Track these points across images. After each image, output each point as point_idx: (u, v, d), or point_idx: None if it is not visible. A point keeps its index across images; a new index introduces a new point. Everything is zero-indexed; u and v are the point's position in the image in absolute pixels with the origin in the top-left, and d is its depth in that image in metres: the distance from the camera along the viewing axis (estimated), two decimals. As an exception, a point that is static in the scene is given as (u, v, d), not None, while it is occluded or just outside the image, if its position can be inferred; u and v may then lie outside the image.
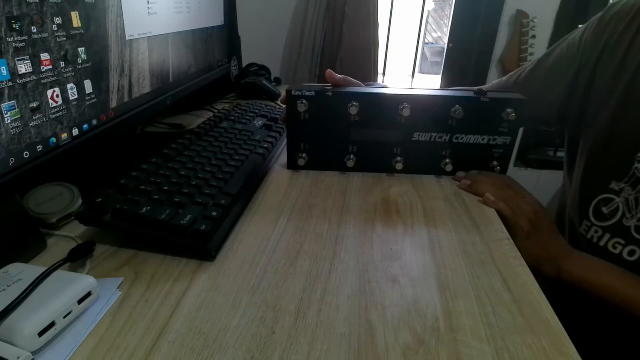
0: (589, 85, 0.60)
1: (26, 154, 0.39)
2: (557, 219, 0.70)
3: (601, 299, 0.49)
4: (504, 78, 0.74)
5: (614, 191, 0.55)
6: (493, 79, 1.42)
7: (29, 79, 0.38)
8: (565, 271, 0.51)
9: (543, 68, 0.67)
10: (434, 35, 4.89)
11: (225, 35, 0.92)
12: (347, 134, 0.60)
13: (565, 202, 0.67)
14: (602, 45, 0.58)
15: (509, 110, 0.57)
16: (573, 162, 0.65)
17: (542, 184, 1.53)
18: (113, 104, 0.51)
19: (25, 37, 0.37)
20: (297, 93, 0.57)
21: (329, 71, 0.58)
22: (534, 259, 0.49)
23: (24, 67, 0.37)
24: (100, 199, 0.43)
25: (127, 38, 0.53)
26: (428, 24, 4.64)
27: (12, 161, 0.37)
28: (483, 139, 0.59)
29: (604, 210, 0.56)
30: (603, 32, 0.59)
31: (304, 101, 0.57)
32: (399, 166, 0.60)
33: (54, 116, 0.42)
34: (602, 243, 0.56)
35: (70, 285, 0.34)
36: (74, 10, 0.43)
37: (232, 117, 0.74)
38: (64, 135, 0.44)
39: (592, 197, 0.58)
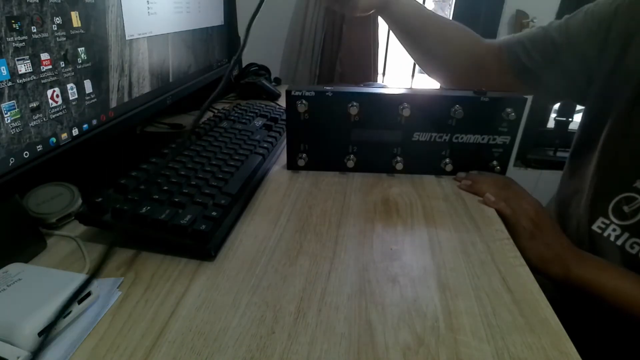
0: (618, 62, 0.56)
1: (26, 154, 0.39)
2: (557, 214, 0.68)
3: (610, 303, 0.48)
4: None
5: (638, 190, 0.53)
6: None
7: (29, 79, 0.38)
8: (574, 273, 0.50)
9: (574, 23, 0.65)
10: (434, 35, 4.88)
11: (225, 35, 0.92)
12: (347, 134, 0.60)
13: (566, 197, 0.65)
14: (637, 23, 0.54)
15: (508, 110, 0.57)
16: (583, 154, 0.62)
17: (542, 184, 1.52)
18: (113, 104, 0.51)
19: (25, 37, 0.37)
20: (297, 93, 0.57)
21: None
22: (540, 260, 0.49)
23: (24, 67, 0.37)
24: (100, 199, 0.43)
25: (127, 38, 0.53)
26: (428, 24, 4.62)
27: (12, 161, 0.37)
28: (483, 139, 0.59)
29: (626, 209, 0.54)
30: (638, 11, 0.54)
31: (303, 101, 0.57)
32: (399, 166, 0.60)
33: (54, 116, 0.42)
34: (619, 242, 0.54)
35: (71, 285, 0.34)
36: (74, 10, 0.43)
37: (232, 117, 0.74)
38: (64, 135, 0.44)
39: (612, 195, 0.56)
